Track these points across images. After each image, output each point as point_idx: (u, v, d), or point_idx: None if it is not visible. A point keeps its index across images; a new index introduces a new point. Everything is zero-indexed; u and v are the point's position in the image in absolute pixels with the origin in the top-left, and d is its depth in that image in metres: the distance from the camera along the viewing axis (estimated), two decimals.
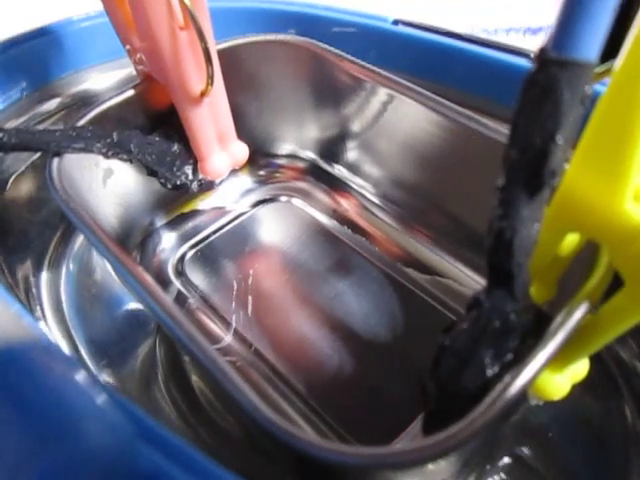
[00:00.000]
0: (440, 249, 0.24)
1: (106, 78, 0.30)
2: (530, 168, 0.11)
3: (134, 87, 0.22)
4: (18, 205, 0.26)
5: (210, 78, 0.21)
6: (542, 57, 0.11)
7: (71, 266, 0.27)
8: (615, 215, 0.12)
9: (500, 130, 0.19)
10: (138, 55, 0.22)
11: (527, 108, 0.11)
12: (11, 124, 0.26)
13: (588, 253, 0.15)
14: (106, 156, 0.21)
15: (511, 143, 0.11)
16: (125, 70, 0.30)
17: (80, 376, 0.08)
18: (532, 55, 0.11)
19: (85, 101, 0.29)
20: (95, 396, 0.08)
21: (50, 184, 0.19)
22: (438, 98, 0.21)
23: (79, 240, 0.27)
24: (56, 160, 0.19)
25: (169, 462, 0.09)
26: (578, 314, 0.13)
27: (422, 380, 0.14)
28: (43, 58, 0.27)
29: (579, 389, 0.15)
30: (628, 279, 0.13)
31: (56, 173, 0.19)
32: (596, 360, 0.15)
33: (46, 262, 0.26)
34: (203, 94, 0.21)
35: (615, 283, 0.13)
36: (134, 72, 0.26)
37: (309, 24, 0.28)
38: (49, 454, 0.07)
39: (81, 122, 0.21)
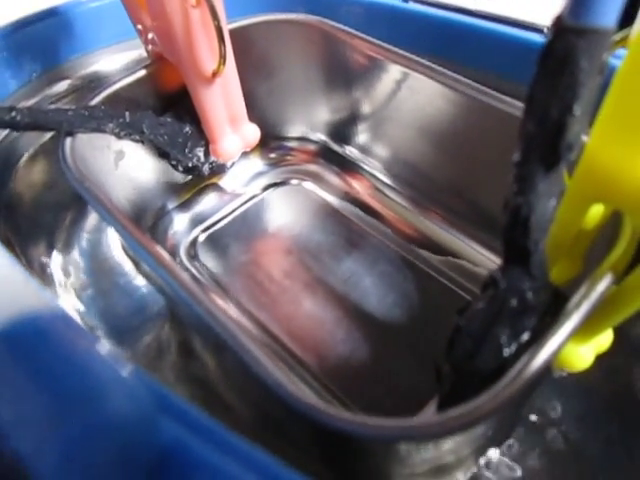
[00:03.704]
0: (454, 229, 0.24)
1: (116, 59, 0.29)
2: (547, 141, 0.11)
3: (145, 67, 0.22)
4: (29, 187, 0.26)
5: (222, 57, 0.20)
6: (559, 25, 0.10)
7: (82, 247, 0.27)
8: (637, 184, 0.12)
9: (516, 104, 0.19)
10: (149, 35, 0.22)
11: (544, 79, 0.11)
12: (24, 100, 0.26)
13: (611, 225, 0.14)
14: (118, 136, 0.21)
15: (527, 116, 0.11)
16: (135, 51, 0.29)
17: (104, 348, 0.08)
18: (547, 28, 0.11)
19: (95, 83, 0.29)
20: (119, 368, 0.08)
21: (63, 164, 0.19)
22: (452, 74, 0.21)
23: (89, 222, 0.27)
24: (69, 140, 0.19)
25: (189, 433, 0.09)
26: (602, 286, 0.13)
27: (437, 362, 0.14)
28: (53, 40, 0.27)
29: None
30: None
31: (69, 153, 0.19)
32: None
33: (58, 244, 0.26)
34: (215, 74, 0.21)
35: (637, 257, 0.13)
36: (144, 54, 0.26)
37: (319, 3, 0.28)
38: (74, 423, 0.07)
39: (93, 102, 0.21)
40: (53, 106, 0.28)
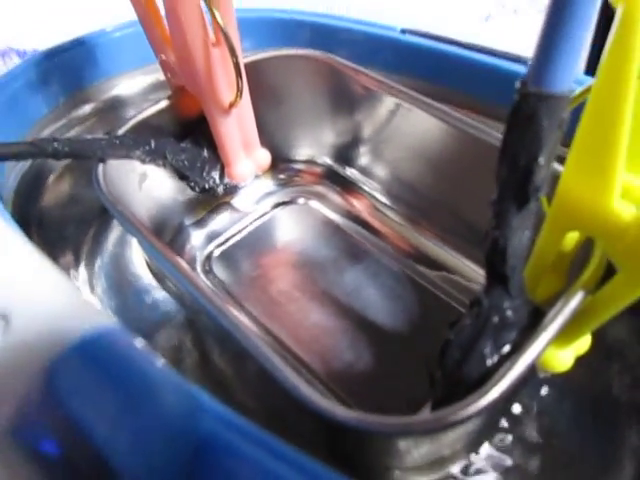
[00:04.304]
0: (448, 246, 0.26)
1: (135, 84, 0.32)
2: (517, 185, 0.13)
3: (168, 98, 0.24)
4: (56, 204, 0.28)
5: (239, 91, 0.23)
6: (523, 90, 0.12)
7: (105, 259, 0.29)
8: (606, 213, 0.14)
9: (499, 136, 0.21)
10: (172, 68, 0.24)
11: (513, 133, 0.13)
12: (51, 128, 0.28)
13: (585, 247, 0.17)
14: (144, 162, 0.23)
15: (500, 163, 0.13)
16: (152, 75, 0.32)
17: (154, 356, 0.10)
18: (516, 85, 0.13)
19: (116, 105, 0.31)
20: (165, 372, 0.10)
21: (97, 187, 0.21)
22: (443, 107, 0.23)
23: (112, 236, 0.29)
24: (101, 166, 0.21)
25: (220, 426, 0.11)
26: (574, 302, 0.16)
27: (430, 369, 0.16)
28: (79, 66, 0.29)
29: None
30: (622, 267, 0.15)
31: (102, 178, 0.21)
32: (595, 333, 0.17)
33: (83, 256, 0.28)
34: (232, 105, 0.23)
35: (608, 272, 0.16)
36: (161, 77, 0.28)
37: (324, 32, 0.30)
38: (139, 415, 0.09)
39: (122, 130, 0.23)
40: (78, 128, 0.30)
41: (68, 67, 0.29)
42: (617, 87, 0.13)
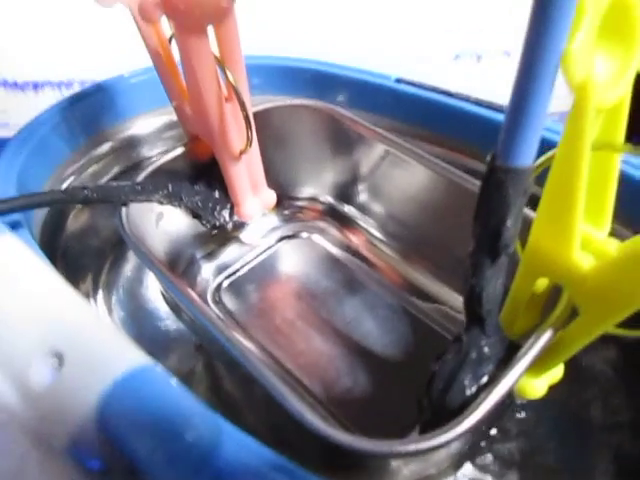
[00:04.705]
0: (439, 280, 0.28)
1: (149, 124, 0.34)
2: (489, 242, 0.15)
3: (183, 145, 0.27)
4: (77, 234, 0.31)
5: (249, 141, 0.25)
6: (492, 164, 0.15)
7: (122, 287, 0.31)
8: (568, 264, 0.17)
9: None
10: (188, 117, 0.26)
11: (484, 199, 0.15)
12: (72, 167, 0.31)
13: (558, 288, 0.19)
14: (162, 204, 0.25)
15: (475, 222, 0.16)
16: (164, 117, 0.34)
17: (182, 390, 0.12)
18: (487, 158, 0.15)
19: (131, 144, 0.34)
20: (196, 402, 0.13)
21: (121, 229, 0.23)
22: (432, 158, 0.26)
23: (128, 266, 0.32)
24: (124, 209, 0.24)
25: (245, 454, 0.13)
26: (544, 339, 0.18)
27: (419, 397, 0.18)
28: (100, 110, 0.32)
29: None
30: (582, 310, 0.17)
31: (125, 220, 0.23)
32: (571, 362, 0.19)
33: (102, 285, 0.31)
34: (242, 152, 0.26)
35: (573, 313, 0.18)
36: (173, 118, 0.30)
37: (324, 78, 0.33)
38: (174, 439, 0.12)
39: (142, 175, 0.25)
40: (96, 166, 0.32)
41: (89, 111, 0.31)
42: (573, 158, 0.15)
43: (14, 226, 0.22)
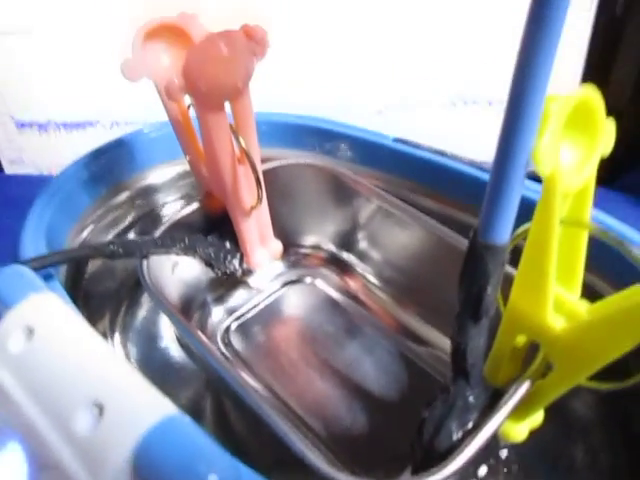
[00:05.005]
0: (432, 325, 0.31)
1: (164, 174, 0.37)
2: (472, 306, 0.18)
3: (199, 201, 0.29)
4: (96, 278, 0.33)
5: (259, 199, 0.27)
6: (473, 240, 0.17)
7: (136, 330, 0.33)
8: (543, 325, 0.19)
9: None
10: (204, 176, 0.29)
11: (467, 270, 0.18)
12: (92, 216, 0.33)
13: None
14: (178, 255, 0.28)
15: (460, 289, 0.18)
16: (177, 167, 0.37)
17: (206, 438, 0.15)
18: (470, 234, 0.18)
19: (147, 192, 0.36)
20: (218, 448, 0.15)
21: (142, 280, 0.25)
22: (423, 216, 0.28)
23: (143, 309, 0.34)
24: (145, 262, 0.26)
25: None
26: (522, 389, 0.20)
27: (411, 439, 0.20)
28: (120, 163, 0.34)
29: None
30: (555, 366, 0.19)
31: (146, 272, 0.26)
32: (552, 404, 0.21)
33: (118, 325, 0.33)
34: (252, 208, 0.28)
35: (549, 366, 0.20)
36: (186, 168, 0.33)
37: (327, 136, 0.35)
38: None
39: (161, 229, 0.28)
40: (114, 214, 0.35)
41: (111, 164, 0.34)
42: (545, 233, 0.18)
43: (47, 278, 0.24)
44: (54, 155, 0.60)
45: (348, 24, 0.51)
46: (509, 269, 0.21)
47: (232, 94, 0.24)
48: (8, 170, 0.61)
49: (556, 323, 0.19)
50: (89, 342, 0.18)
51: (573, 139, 0.18)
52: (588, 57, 0.56)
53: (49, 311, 0.19)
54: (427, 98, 0.55)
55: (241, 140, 0.26)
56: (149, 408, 0.16)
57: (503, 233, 0.17)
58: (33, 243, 0.25)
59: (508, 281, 0.19)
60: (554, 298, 0.19)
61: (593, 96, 0.17)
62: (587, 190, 0.19)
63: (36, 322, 0.18)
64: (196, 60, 0.22)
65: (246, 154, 0.26)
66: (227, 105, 0.25)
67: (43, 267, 0.23)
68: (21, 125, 0.58)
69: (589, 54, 0.55)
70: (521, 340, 0.21)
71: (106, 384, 0.16)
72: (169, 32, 0.26)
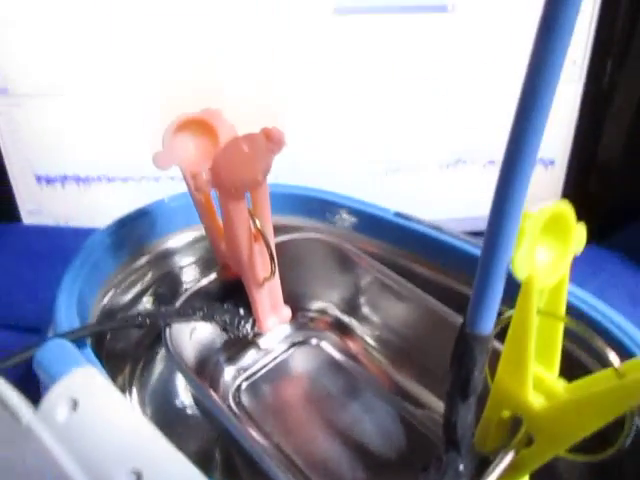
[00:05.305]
0: (429, 389, 0.33)
1: (181, 239, 0.39)
2: (461, 387, 0.20)
3: (216, 272, 0.32)
4: (117, 338, 0.36)
5: (272, 272, 0.30)
6: (462, 330, 0.20)
7: (153, 385, 0.36)
8: (524, 402, 0.22)
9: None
10: (222, 252, 0.32)
11: (456, 355, 0.20)
12: (114, 280, 0.36)
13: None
14: (197, 321, 0.31)
15: (450, 370, 0.21)
16: (195, 232, 0.40)
17: None
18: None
19: (165, 256, 0.39)
20: None
21: (166, 347, 0.28)
22: (418, 291, 0.31)
23: (159, 367, 0.37)
24: (168, 329, 0.29)
25: None
26: (509, 456, 0.22)
27: None
28: (142, 230, 0.37)
29: None
30: (536, 439, 0.22)
31: (169, 339, 0.28)
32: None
33: (135, 380, 0.35)
34: (265, 280, 0.31)
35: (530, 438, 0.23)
36: (202, 232, 0.36)
37: (330, 206, 0.39)
38: None
39: (182, 299, 0.31)
40: (133, 276, 0.38)
41: (134, 232, 0.37)
42: (524, 323, 0.21)
43: (80, 345, 0.27)
44: (71, 207, 0.63)
45: (349, 93, 0.55)
46: (497, 345, 0.23)
47: (252, 186, 0.27)
48: (26, 220, 0.64)
49: (535, 401, 0.22)
50: (127, 414, 0.21)
51: (548, 243, 0.21)
52: (578, 123, 0.59)
53: (91, 384, 0.22)
54: (426, 161, 0.59)
55: (257, 222, 0.29)
56: (182, 477, 0.18)
57: (487, 325, 0.20)
58: (67, 314, 0.28)
59: (496, 356, 0.22)
60: (534, 377, 0.22)
61: (565, 208, 0.21)
62: (562, 284, 0.22)
63: (80, 395, 0.21)
64: (223, 160, 0.25)
65: (261, 234, 0.29)
66: None
67: (79, 338, 0.25)
68: (41, 178, 0.61)
69: (579, 120, 0.59)
70: (506, 413, 0.23)
71: (144, 453, 0.19)
72: (196, 125, 0.29)
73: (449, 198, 0.61)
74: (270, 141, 0.25)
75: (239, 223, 0.28)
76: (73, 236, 0.61)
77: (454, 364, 0.21)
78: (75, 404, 0.21)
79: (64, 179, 0.61)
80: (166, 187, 0.57)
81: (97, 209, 0.62)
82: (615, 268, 0.58)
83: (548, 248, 0.21)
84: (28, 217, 0.64)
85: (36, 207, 0.64)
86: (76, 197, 0.62)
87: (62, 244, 0.59)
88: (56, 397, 0.21)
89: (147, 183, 0.59)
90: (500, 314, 0.21)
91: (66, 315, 0.28)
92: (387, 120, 0.57)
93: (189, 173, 0.29)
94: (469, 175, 0.60)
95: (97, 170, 0.60)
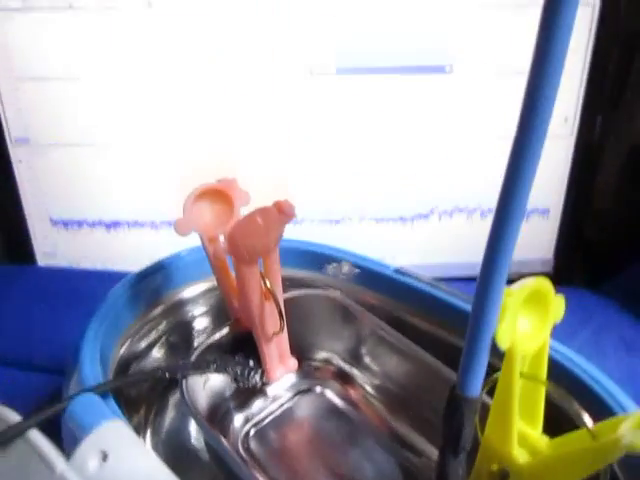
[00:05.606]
0: (427, 438, 0.35)
1: (195, 289, 0.42)
2: (452, 444, 0.23)
3: (229, 326, 0.35)
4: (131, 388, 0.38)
5: (281, 328, 0.33)
6: (453, 392, 0.23)
7: (166, 428, 0.38)
8: (509, 458, 0.24)
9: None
10: (235, 308, 0.34)
11: (447, 415, 0.23)
12: (130, 330, 0.38)
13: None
14: (211, 373, 0.33)
15: (443, 427, 0.23)
16: (207, 283, 0.42)
17: None
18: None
19: (179, 305, 0.42)
20: None
21: (182, 397, 0.31)
22: (414, 347, 0.34)
23: (171, 412, 0.39)
24: (184, 381, 0.31)
25: None
26: None
27: None
28: (159, 282, 0.40)
29: None
30: None
31: (186, 390, 0.31)
32: None
33: (149, 423, 0.38)
34: (274, 334, 0.34)
35: None
36: (214, 283, 0.38)
37: (334, 260, 0.41)
38: None
39: (198, 351, 0.33)
40: (149, 325, 0.40)
41: (151, 284, 0.39)
42: (508, 385, 0.23)
43: (105, 396, 0.29)
44: (85, 250, 0.66)
45: (347, 148, 0.59)
46: (488, 400, 0.26)
47: (265, 253, 0.29)
48: (41, 262, 0.67)
49: (520, 456, 0.24)
50: (153, 465, 0.23)
51: (529, 314, 0.24)
52: (571, 175, 0.62)
53: (119, 437, 0.24)
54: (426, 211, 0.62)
55: (268, 283, 0.31)
56: None
57: (475, 389, 0.22)
58: (92, 368, 0.30)
59: (486, 410, 0.24)
60: (519, 433, 0.24)
61: (543, 283, 0.23)
62: (543, 350, 0.24)
63: (109, 447, 0.23)
64: (239, 232, 0.28)
65: (271, 293, 0.32)
66: None
67: (105, 391, 0.28)
68: (57, 222, 0.64)
69: (572, 172, 0.62)
70: (495, 466, 0.26)
71: None
72: (213, 193, 0.32)
73: (444, 244, 0.64)
74: (281, 213, 0.28)
75: (251, 284, 0.31)
76: (86, 278, 0.64)
77: (446, 423, 0.23)
78: (105, 456, 0.23)
79: (79, 223, 0.64)
80: (170, 233, 0.61)
81: (109, 252, 0.65)
82: (609, 314, 0.60)
83: (529, 319, 0.24)
84: (43, 259, 0.67)
85: (51, 250, 0.67)
86: (90, 240, 0.65)
87: (76, 285, 0.62)
88: (87, 449, 0.24)
89: (152, 229, 0.62)
90: (491, 373, 0.23)
91: (91, 368, 0.31)
92: (387, 174, 0.60)
93: (207, 238, 0.32)
94: (464, 223, 0.63)
95: (110, 215, 0.63)
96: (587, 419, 0.22)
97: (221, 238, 0.32)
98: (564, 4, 0.15)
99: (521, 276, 0.23)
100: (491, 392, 0.24)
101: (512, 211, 0.19)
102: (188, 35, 0.55)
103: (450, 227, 0.63)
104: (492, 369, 0.23)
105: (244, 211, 0.31)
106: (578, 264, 0.67)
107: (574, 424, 0.24)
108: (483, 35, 0.56)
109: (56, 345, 0.51)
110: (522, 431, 0.25)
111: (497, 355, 0.22)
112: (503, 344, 0.22)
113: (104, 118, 0.57)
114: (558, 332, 0.26)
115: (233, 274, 0.33)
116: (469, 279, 0.62)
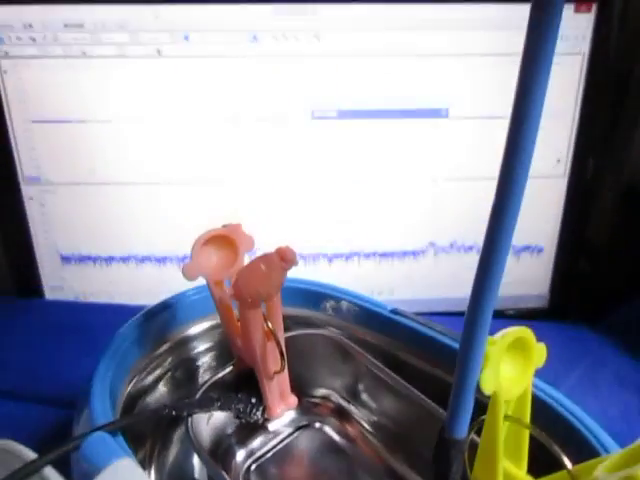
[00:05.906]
0: (418, 474, 0.37)
1: (199, 326, 0.44)
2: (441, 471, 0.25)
3: (232, 364, 0.37)
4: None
5: (282, 368, 0.35)
6: (441, 435, 0.24)
7: (170, 463, 0.39)
8: None
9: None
10: (238, 347, 0.36)
11: (437, 455, 0.24)
12: (137, 366, 0.40)
13: None
14: (215, 411, 0.35)
15: (433, 466, 0.25)
16: (212, 321, 0.44)
17: None
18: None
19: (184, 342, 0.43)
20: None
21: (187, 434, 0.32)
22: (408, 386, 0.35)
23: (174, 447, 0.40)
24: (190, 419, 0.33)
25: None
26: None
27: None
28: (165, 320, 0.42)
29: None
30: None
31: (191, 426, 0.32)
32: None
33: (154, 458, 0.39)
34: (275, 373, 0.35)
35: None
36: (217, 321, 0.40)
37: (332, 299, 0.43)
38: None
39: (202, 390, 0.35)
40: (154, 363, 0.42)
41: (158, 323, 0.41)
42: (493, 428, 0.25)
43: (113, 433, 0.31)
44: (91, 284, 0.68)
45: (346, 190, 0.61)
46: (476, 438, 0.27)
47: (268, 298, 0.31)
48: (49, 295, 0.69)
49: None
50: None
51: (512, 361, 0.25)
52: (564, 214, 0.65)
53: (129, 476, 0.26)
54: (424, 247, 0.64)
55: (269, 324, 0.33)
56: None
57: (462, 431, 0.24)
58: (102, 406, 0.32)
59: (476, 449, 0.26)
60: (505, 473, 0.26)
61: (525, 332, 0.25)
62: (526, 394, 0.26)
63: None
64: (243, 278, 0.30)
65: (273, 334, 0.33)
66: None
67: (115, 429, 0.29)
68: (65, 258, 0.66)
69: (565, 211, 0.64)
70: None
71: None
72: (218, 239, 0.34)
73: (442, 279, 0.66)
74: (283, 260, 0.30)
75: (254, 326, 0.32)
76: (92, 311, 0.65)
77: (435, 462, 0.25)
78: None
79: (87, 259, 0.66)
80: (175, 268, 0.64)
81: (116, 286, 0.67)
82: (605, 349, 0.61)
83: (512, 365, 0.25)
84: (50, 293, 0.69)
85: (58, 284, 0.69)
86: (97, 275, 0.67)
87: (83, 318, 0.64)
88: None
89: (158, 264, 0.64)
90: (481, 413, 0.25)
91: (101, 405, 0.32)
92: (387, 211, 0.63)
93: (212, 282, 0.34)
94: (461, 259, 0.65)
95: (119, 251, 0.65)
96: (566, 461, 0.24)
97: (226, 283, 0.34)
98: (541, 63, 0.17)
99: (518, 310, 0.25)
100: (480, 432, 0.26)
101: (491, 277, 0.21)
102: (194, 81, 0.57)
103: (448, 263, 0.65)
104: (482, 409, 0.25)
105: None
106: (574, 299, 0.68)
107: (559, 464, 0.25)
108: (478, 81, 0.59)
109: (62, 378, 0.52)
110: (508, 471, 0.26)
111: (486, 396, 0.24)
112: (487, 389, 0.23)
113: (112, 159, 0.60)
114: (554, 366, 0.27)
115: (237, 314, 0.35)
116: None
